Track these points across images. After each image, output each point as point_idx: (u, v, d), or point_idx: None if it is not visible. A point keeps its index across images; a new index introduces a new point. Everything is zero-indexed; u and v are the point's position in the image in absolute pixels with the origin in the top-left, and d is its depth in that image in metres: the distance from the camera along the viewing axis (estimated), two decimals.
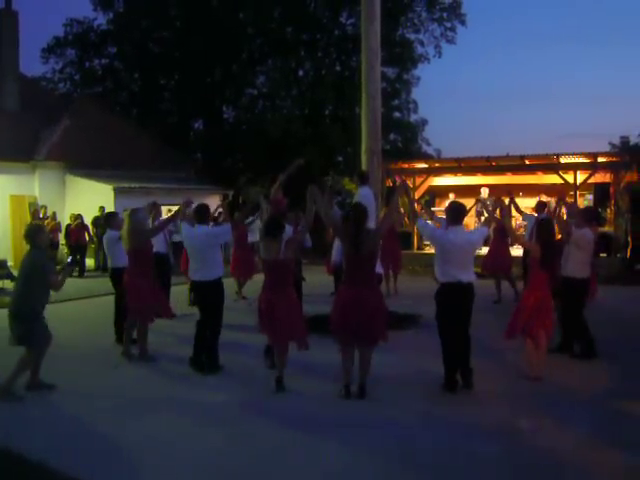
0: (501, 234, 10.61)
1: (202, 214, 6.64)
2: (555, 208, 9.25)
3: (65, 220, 16.60)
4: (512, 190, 17.20)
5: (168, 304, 7.55)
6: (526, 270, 7.91)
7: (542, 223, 6.49)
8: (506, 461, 4.31)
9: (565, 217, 8.42)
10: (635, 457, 4.35)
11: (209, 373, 6.34)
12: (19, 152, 17.64)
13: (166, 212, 13.95)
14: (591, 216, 7.29)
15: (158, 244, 8.68)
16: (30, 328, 5.64)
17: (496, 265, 10.67)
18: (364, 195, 8.08)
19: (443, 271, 5.62)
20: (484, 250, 11.24)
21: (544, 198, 16.42)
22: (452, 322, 5.65)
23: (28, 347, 5.68)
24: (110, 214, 9.01)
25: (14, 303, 5.71)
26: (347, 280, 5.46)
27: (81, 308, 10.01)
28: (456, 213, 5.77)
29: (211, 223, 7.43)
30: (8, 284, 12.48)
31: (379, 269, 6.69)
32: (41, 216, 16.02)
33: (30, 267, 5.64)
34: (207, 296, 6.44)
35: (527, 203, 17.74)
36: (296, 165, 7.68)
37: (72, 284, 10.47)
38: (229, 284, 11.33)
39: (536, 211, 10.96)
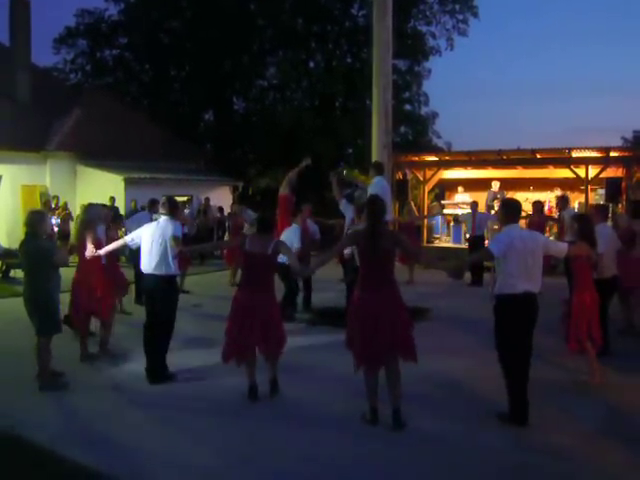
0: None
1: (171, 206, 6.03)
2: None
3: (76, 210, 16.68)
4: (523, 184, 17.24)
5: (109, 305, 6.89)
6: (568, 269, 6.95)
7: (583, 217, 6.16)
8: (510, 457, 4.31)
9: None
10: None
11: (155, 382, 5.78)
12: (30, 142, 17.74)
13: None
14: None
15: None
16: (48, 314, 5.63)
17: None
18: (380, 185, 8.06)
19: (503, 279, 4.74)
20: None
21: (557, 192, 16.32)
22: (520, 341, 4.74)
23: (47, 335, 5.66)
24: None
25: (28, 293, 5.68)
26: (363, 284, 4.72)
27: None
28: (513, 210, 4.98)
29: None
30: (19, 274, 12.57)
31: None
32: (52, 206, 16.13)
33: (35, 256, 5.61)
34: (159, 292, 5.89)
35: (538, 197, 17.65)
36: (304, 163, 7.72)
37: None
38: (225, 276, 11.49)
39: (560, 207, 10.86)
